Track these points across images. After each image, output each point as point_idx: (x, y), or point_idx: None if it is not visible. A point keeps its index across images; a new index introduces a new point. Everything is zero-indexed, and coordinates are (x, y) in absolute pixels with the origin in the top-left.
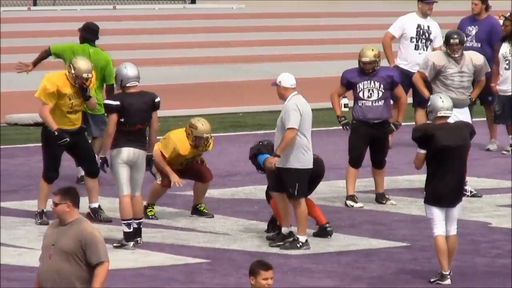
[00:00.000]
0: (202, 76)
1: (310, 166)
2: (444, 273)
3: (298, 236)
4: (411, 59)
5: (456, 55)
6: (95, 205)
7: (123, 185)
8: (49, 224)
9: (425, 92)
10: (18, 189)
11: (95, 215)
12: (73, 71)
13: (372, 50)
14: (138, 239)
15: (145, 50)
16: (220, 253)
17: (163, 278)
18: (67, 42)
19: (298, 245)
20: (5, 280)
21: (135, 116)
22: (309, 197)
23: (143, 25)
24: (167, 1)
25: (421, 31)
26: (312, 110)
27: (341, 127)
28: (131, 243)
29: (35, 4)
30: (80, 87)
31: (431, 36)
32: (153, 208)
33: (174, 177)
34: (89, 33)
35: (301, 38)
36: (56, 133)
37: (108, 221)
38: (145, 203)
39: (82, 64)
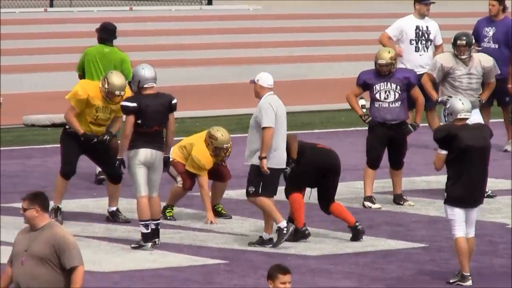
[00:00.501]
0: (219, 77)
1: (279, 166)
2: (465, 274)
3: (264, 233)
4: (412, 61)
5: (464, 57)
6: (113, 208)
7: (140, 186)
8: (19, 231)
9: (434, 94)
10: (35, 190)
11: (113, 217)
12: (106, 86)
13: (389, 52)
14: (156, 240)
15: (162, 51)
16: (238, 254)
17: (181, 279)
18: (83, 52)
19: (264, 241)
20: None
21: (152, 118)
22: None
23: (159, 26)
24: (184, 2)
25: (420, 32)
26: (329, 111)
27: (357, 128)
28: (149, 244)
29: (51, 5)
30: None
31: (431, 36)
32: (172, 209)
33: (210, 215)
34: (106, 33)
35: (317, 39)
36: (82, 138)
37: (127, 222)
38: (164, 204)
39: (116, 80)
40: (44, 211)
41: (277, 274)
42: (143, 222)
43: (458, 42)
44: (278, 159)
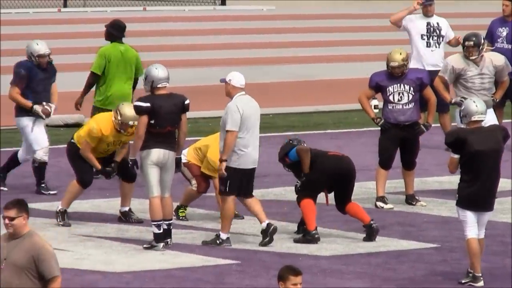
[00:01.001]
0: None
1: (246, 166)
2: (477, 275)
3: (220, 232)
4: (424, 58)
5: (473, 57)
6: (126, 208)
7: (153, 187)
8: None
9: (447, 96)
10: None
11: (125, 217)
12: (119, 118)
13: (400, 53)
14: (168, 240)
15: (175, 52)
16: (250, 255)
17: (193, 279)
18: (98, 52)
19: (218, 242)
20: None
21: (166, 118)
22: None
23: (173, 26)
24: (197, 2)
25: (432, 28)
26: (342, 111)
27: (370, 128)
28: (161, 244)
29: (65, 5)
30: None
31: (442, 32)
32: (185, 210)
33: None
34: (117, 30)
35: (331, 40)
36: (99, 174)
37: (139, 222)
38: (177, 204)
39: (129, 111)
40: (28, 218)
41: (288, 275)
42: (156, 223)
43: (466, 43)
44: (245, 159)
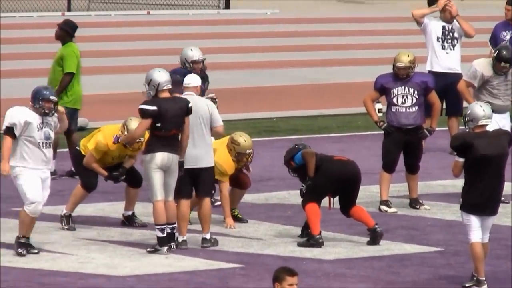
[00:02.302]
0: (236, 81)
1: (192, 166)
2: (481, 279)
3: (176, 234)
4: (440, 59)
5: (502, 73)
6: (129, 212)
7: (157, 191)
8: None
9: (471, 101)
10: (51, 193)
11: (129, 221)
12: (126, 133)
13: (408, 56)
14: (172, 244)
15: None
16: (254, 258)
17: (196, 282)
18: (66, 53)
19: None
20: (39, 285)
21: (171, 122)
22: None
23: (177, 30)
24: (201, 6)
25: (446, 31)
26: (346, 115)
27: (374, 132)
28: (165, 248)
29: (69, 9)
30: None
31: (455, 34)
32: (189, 213)
33: (230, 221)
34: (74, 30)
35: (335, 43)
36: (107, 180)
37: (143, 226)
38: None
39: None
40: None
41: (284, 276)
42: (159, 227)
43: (502, 64)
44: (190, 158)
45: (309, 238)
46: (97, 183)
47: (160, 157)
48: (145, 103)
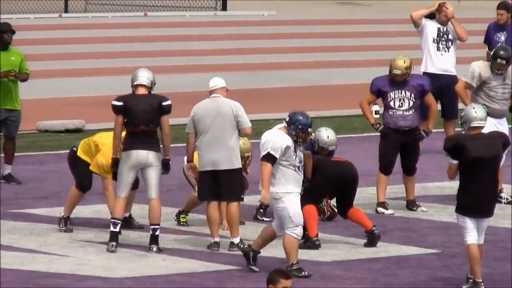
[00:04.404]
0: (233, 83)
1: (207, 168)
2: (477, 280)
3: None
4: (435, 61)
5: (500, 73)
6: (126, 214)
7: (121, 186)
8: None
9: (468, 103)
10: (49, 195)
11: (126, 223)
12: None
13: (404, 62)
14: (154, 246)
15: (176, 57)
16: None
17: (194, 284)
18: (22, 55)
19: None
20: (36, 286)
21: (139, 117)
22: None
23: (174, 32)
24: (198, 8)
25: (441, 33)
26: (343, 116)
27: (371, 134)
28: (113, 244)
29: (66, 11)
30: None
31: (450, 36)
32: (186, 216)
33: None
34: (12, 33)
35: (331, 45)
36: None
37: (140, 228)
38: (180, 209)
39: None
40: None
41: (279, 278)
42: (113, 220)
43: (499, 60)
44: (201, 162)
45: (306, 240)
46: (91, 184)
47: (133, 155)
48: (115, 99)
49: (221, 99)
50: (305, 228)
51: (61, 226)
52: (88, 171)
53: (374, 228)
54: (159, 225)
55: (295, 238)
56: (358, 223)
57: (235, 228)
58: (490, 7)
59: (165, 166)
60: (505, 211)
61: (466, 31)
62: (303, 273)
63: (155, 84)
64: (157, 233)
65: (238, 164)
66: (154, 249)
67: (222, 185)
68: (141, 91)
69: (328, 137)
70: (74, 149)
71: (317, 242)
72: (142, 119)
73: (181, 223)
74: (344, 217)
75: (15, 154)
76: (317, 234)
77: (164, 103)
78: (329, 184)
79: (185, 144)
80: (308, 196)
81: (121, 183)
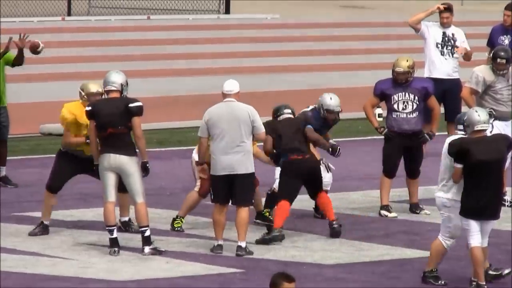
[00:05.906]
0: None
1: (216, 173)
2: (481, 283)
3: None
4: (437, 65)
5: (503, 73)
6: (126, 218)
7: (105, 192)
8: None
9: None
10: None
11: (125, 227)
12: (83, 93)
13: (407, 60)
14: (145, 247)
15: (179, 60)
16: (254, 263)
17: (197, 287)
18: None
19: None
20: None
21: (105, 121)
22: (324, 191)
23: (177, 35)
24: (201, 11)
25: (446, 38)
26: (346, 120)
27: (374, 137)
28: (115, 249)
29: (69, 14)
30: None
31: (457, 43)
32: (181, 221)
33: None
34: None
35: (335, 48)
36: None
37: (138, 232)
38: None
39: (87, 82)
40: None
41: (282, 281)
42: (108, 228)
43: (499, 60)
44: (215, 166)
45: (268, 232)
46: (62, 185)
47: (106, 158)
48: (87, 105)
49: (236, 103)
50: (272, 220)
51: (35, 228)
52: (64, 174)
53: (334, 223)
54: (147, 226)
55: (444, 247)
56: (322, 210)
57: (243, 232)
58: (493, 11)
59: (144, 169)
60: (507, 214)
61: (472, 54)
62: (439, 282)
63: (127, 85)
64: (146, 234)
65: (252, 169)
66: (146, 250)
67: (235, 190)
68: (114, 94)
69: (331, 99)
70: (61, 149)
71: (279, 236)
72: (108, 122)
73: (176, 229)
74: (313, 199)
75: (18, 157)
76: (281, 227)
77: (131, 105)
78: (294, 181)
79: (196, 147)
80: (280, 192)
81: (104, 188)
